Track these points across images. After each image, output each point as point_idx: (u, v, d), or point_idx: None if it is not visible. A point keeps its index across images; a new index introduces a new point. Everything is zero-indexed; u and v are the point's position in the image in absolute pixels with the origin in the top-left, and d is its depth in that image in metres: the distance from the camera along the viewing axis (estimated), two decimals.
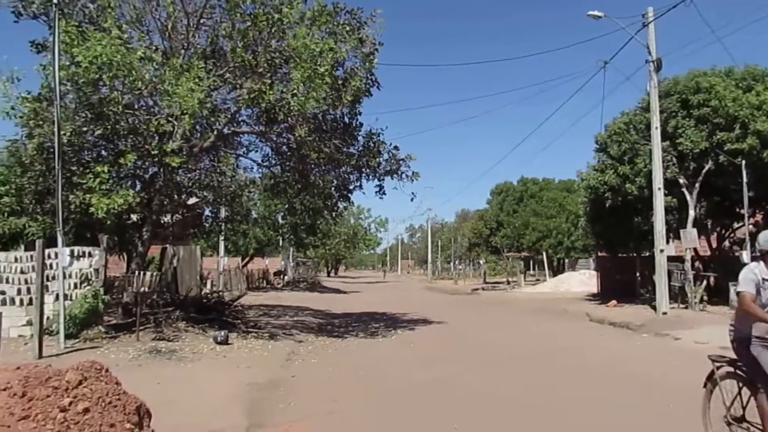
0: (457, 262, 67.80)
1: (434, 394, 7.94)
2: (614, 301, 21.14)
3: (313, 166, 15.30)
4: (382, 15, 13.60)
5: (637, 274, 24.28)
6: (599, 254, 28.74)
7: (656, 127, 17.07)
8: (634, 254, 24.41)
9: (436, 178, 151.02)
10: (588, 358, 11.04)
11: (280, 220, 32.82)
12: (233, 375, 8.89)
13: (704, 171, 18.36)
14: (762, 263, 4.57)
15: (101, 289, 11.63)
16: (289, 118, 13.04)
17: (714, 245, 22.65)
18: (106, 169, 11.42)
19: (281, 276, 40.02)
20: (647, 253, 21.43)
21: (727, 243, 22.56)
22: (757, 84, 17.95)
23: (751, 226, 19.63)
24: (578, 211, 30.51)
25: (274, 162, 16.38)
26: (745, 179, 16.77)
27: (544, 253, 41.10)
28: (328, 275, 71.91)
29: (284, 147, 15.51)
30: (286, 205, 19.88)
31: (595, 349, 12.26)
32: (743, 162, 16.91)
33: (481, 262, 54.94)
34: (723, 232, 22.48)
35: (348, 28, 13.14)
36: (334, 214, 18.52)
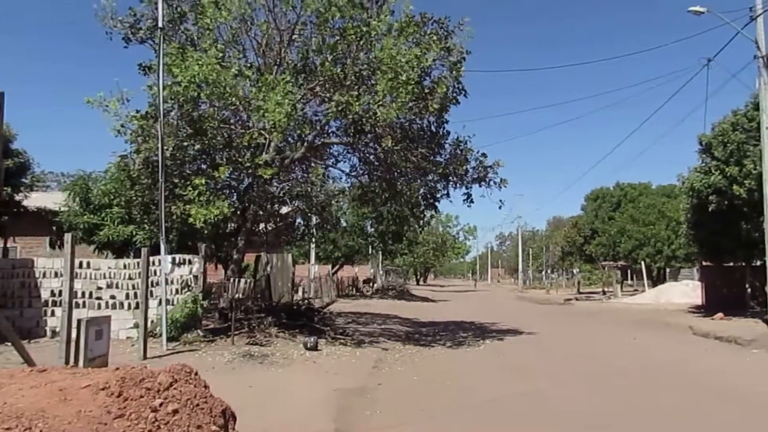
0: (549, 271, 65.90)
1: (522, 408, 7.73)
2: (720, 314, 19.73)
3: (399, 175, 15.43)
4: (471, 23, 13.55)
5: (747, 285, 22.53)
6: (703, 263, 26.94)
7: (767, 127, 15.85)
8: (743, 263, 22.69)
9: (528, 185, 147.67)
10: (689, 374, 10.36)
11: (369, 229, 33.33)
12: (321, 380, 9.09)
13: None
14: None
15: (200, 294, 12.28)
16: (376, 128, 13.25)
17: None
18: (203, 181, 12.09)
19: (370, 284, 40.55)
20: (758, 262, 19.85)
21: None
22: None
23: None
24: (679, 217, 28.82)
25: (361, 172, 16.66)
26: None
27: (642, 263, 39.08)
28: (417, 283, 72.03)
29: (371, 157, 15.75)
30: (374, 214, 20.17)
31: (696, 364, 11.50)
32: None
33: (575, 271, 53.11)
34: None
35: (435, 38, 13.16)
36: (421, 222, 18.56)
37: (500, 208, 16.50)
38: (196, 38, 13.20)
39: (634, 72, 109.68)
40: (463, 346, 14.26)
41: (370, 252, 41.43)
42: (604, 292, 40.24)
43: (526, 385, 9.18)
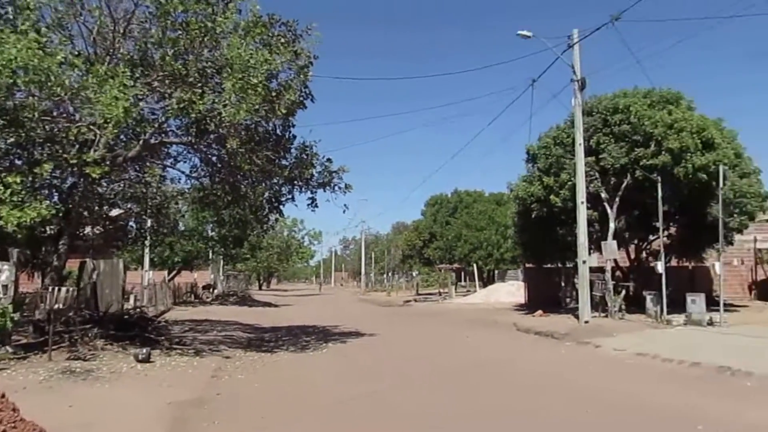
0: (390, 274, 68.14)
1: (364, 409, 7.90)
2: (540, 311, 21.79)
3: (243, 177, 15.01)
4: (319, 28, 13.55)
5: (562, 285, 25.17)
6: (527, 265, 29.60)
7: (580, 143, 17.81)
8: (560, 265, 25.29)
9: (372, 190, 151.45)
10: (515, 368, 11.35)
11: (209, 232, 32.04)
12: (155, 394, 8.53)
13: (624, 186, 19.28)
14: None
15: (10, 306, 10.90)
16: (220, 129, 12.76)
17: (632, 256, 23.76)
18: (18, 179, 10.77)
19: (210, 290, 38.93)
20: (571, 264, 22.22)
21: (644, 254, 23.68)
22: (670, 105, 19.07)
23: (665, 239, 20.75)
24: (507, 222, 31.33)
25: (203, 173, 15.96)
26: (660, 194, 17.69)
27: (475, 265, 41.93)
28: (260, 288, 70.57)
29: (214, 158, 15.16)
30: (215, 217, 19.41)
31: (522, 359, 12.60)
32: (659, 178, 17.86)
33: (414, 273, 55.44)
34: (640, 244, 23.61)
35: (283, 40, 13.00)
36: (264, 226, 18.22)
37: (344, 212, 16.73)
38: (12, 17, 11.75)
39: (472, 86, 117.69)
40: (307, 350, 14.23)
41: (210, 257, 39.83)
42: (440, 293, 42.47)
43: (370, 387, 9.40)
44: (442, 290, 43.67)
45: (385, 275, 70.66)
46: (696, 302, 16.50)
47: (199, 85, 12.29)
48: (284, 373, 10.98)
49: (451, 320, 23.29)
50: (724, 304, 17.05)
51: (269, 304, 37.01)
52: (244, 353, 13.36)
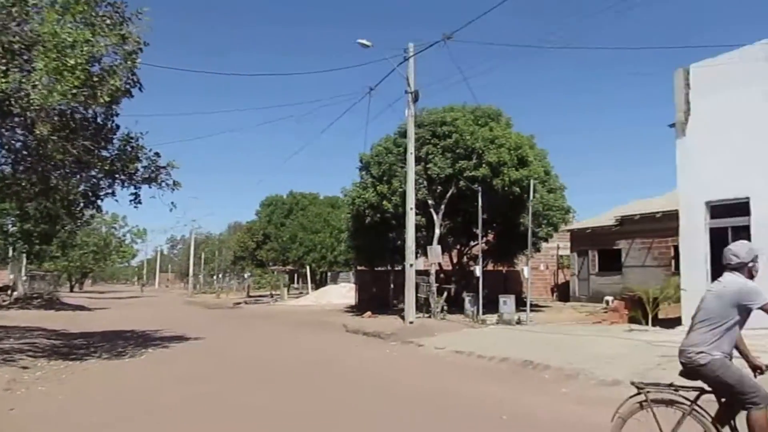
0: (221, 276, 65.86)
1: (185, 414, 7.52)
2: (369, 312, 22.48)
3: (55, 167, 13.53)
4: (151, 14, 12.67)
5: (391, 287, 26.22)
6: (359, 268, 30.37)
7: (411, 153, 18.69)
8: (390, 268, 26.33)
9: (205, 188, 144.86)
10: (343, 367, 11.54)
11: (10, 227, 28.50)
12: None
13: (449, 194, 20.58)
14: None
15: None
16: (28, 113, 11.39)
17: (455, 260, 25.47)
18: None
19: (8, 292, 34.59)
20: (400, 267, 23.22)
21: (465, 259, 25.49)
22: (491, 121, 20.78)
23: (484, 245, 22.53)
24: (342, 226, 31.89)
25: (4, 160, 14.12)
26: (480, 203, 19.17)
27: (308, 267, 42.08)
28: (72, 290, 64.20)
29: (19, 144, 13.50)
30: (18, 210, 17.28)
31: (351, 358, 12.86)
32: (479, 188, 19.34)
33: (246, 275, 54.18)
34: (462, 249, 25.39)
35: (108, 22, 11.96)
36: (78, 222, 16.60)
37: (171, 210, 15.84)
38: None
39: (313, 89, 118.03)
40: (123, 356, 13.23)
41: (10, 255, 35.42)
42: (272, 295, 41.98)
43: (192, 390, 8.96)
44: (274, 292, 43.18)
45: (215, 277, 68.14)
46: (507, 303, 18.10)
47: (3, 61, 10.88)
48: (94, 382, 10.08)
49: (282, 322, 23.12)
50: (531, 305, 18.94)
51: (82, 308, 33.80)
52: (48, 362, 12.03)
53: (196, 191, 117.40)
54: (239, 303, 38.57)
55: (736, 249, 4.63)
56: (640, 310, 15.56)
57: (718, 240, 14.61)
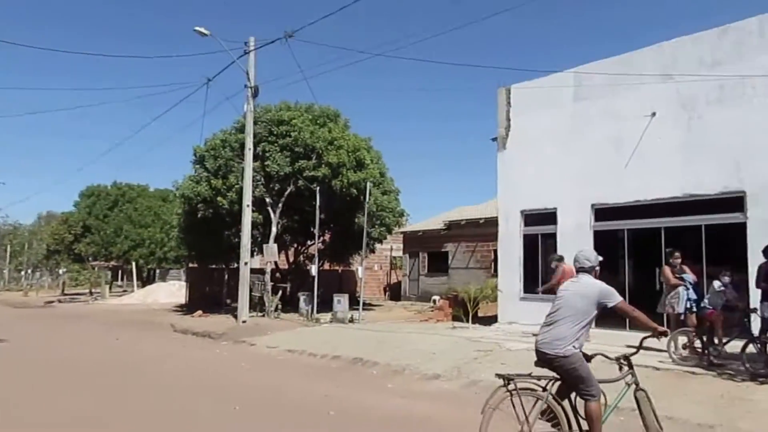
0: (30, 272, 59.16)
1: None
2: (200, 311, 21.62)
3: None
4: None
5: (225, 285, 25.45)
6: (190, 265, 29.07)
7: (249, 149, 18.30)
8: (224, 266, 25.54)
9: (13, 174, 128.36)
10: (168, 368, 10.98)
11: None
12: None
13: (287, 193, 20.47)
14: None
15: None
16: None
17: (291, 259, 25.40)
18: None
19: None
20: (235, 266, 22.62)
21: (302, 258, 25.54)
22: (330, 122, 21.05)
23: (320, 244, 22.74)
24: (173, 221, 30.31)
25: None
26: (318, 203, 19.34)
27: (134, 263, 39.34)
28: None
29: None
30: None
31: (177, 359, 12.28)
32: (318, 188, 19.50)
33: (61, 271, 49.24)
34: (299, 248, 25.41)
35: None
36: None
37: None
38: None
39: (144, 75, 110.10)
40: None
41: None
42: (91, 293, 38.62)
43: None
44: (94, 290, 39.74)
45: (23, 272, 61.01)
46: (341, 302, 18.45)
47: None
48: None
49: (103, 322, 21.35)
50: (365, 304, 19.47)
51: None
52: None
53: (4, 177, 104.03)
54: (52, 301, 34.93)
55: (588, 254, 5.19)
56: (462, 309, 16.71)
57: (530, 245, 16.24)
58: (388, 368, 10.56)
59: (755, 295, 9.54)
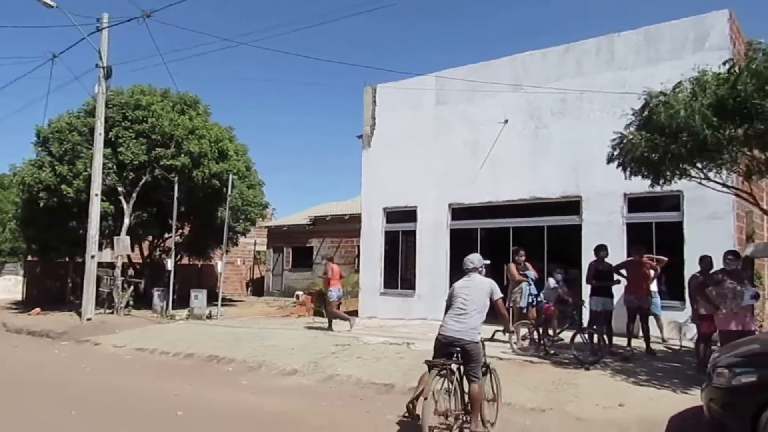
0: None
1: None
2: (38, 309, 19.72)
3: None
4: None
5: (70, 281, 23.44)
6: (29, 259, 26.44)
7: (100, 133, 16.98)
8: (68, 260, 23.50)
9: None
10: None
11: None
12: None
13: (142, 183, 19.24)
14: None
15: None
16: None
17: (147, 253, 23.97)
18: None
19: None
20: (82, 260, 20.94)
21: (158, 252, 24.18)
22: (190, 110, 20.12)
23: (178, 238, 21.73)
24: (9, 210, 27.36)
25: None
26: (176, 194, 18.41)
27: None
28: None
29: None
30: None
31: (6, 361, 11.14)
32: (176, 178, 18.56)
33: None
34: (156, 241, 24.03)
35: None
36: None
37: None
38: None
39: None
40: None
41: None
42: None
43: None
44: None
45: None
46: (198, 298, 17.74)
47: None
48: None
49: None
50: (226, 300, 18.85)
51: None
52: None
53: None
54: None
55: (472, 258, 6.15)
56: (324, 304, 16.78)
57: (392, 242, 16.71)
58: (244, 365, 10.33)
59: (587, 290, 10.59)
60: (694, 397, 6.67)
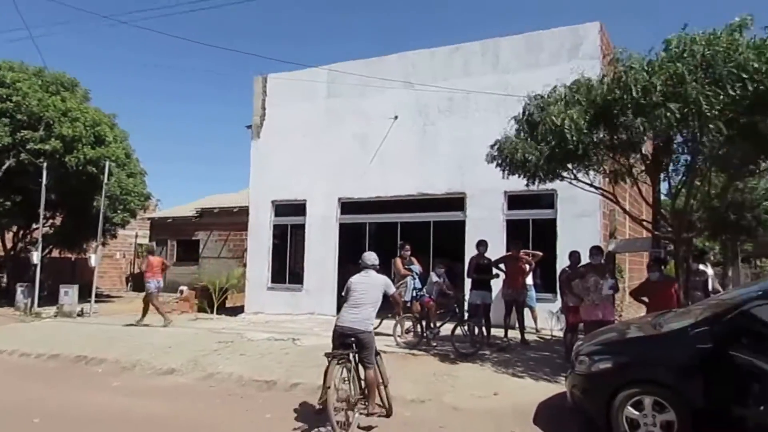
0: None
1: None
2: None
3: None
4: None
5: None
6: None
7: None
8: None
9: None
10: None
11: None
12: None
13: (5, 167, 17.58)
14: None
15: None
16: None
17: (10, 245, 21.95)
18: None
19: None
20: None
21: (24, 244, 22.20)
22: (65, 91, 18.64)
23: (48, 228, 20.09)
24: None
25: None
26: (44, 181, 16.96)
27: None
28: None
29: None
30: None
31: None
32: (45, 163, 17.11)
33: None
34: (22, 232, 22.07)
35: None
36: None
37: None
38: None
39: None
40: None
41: None
42: None
43: None
44: None
45: None
46: (69, 294, 16.45)
47: None
48: None
49: None
50: (103, 296, 17.60)
51: None
52: None
53: None
54: None
55: (368, 256, 6.74)
56: (207, 300, 16.23)
57: (280, 236, 16.44)
58: (116, 365, 9.73)
59: (469, 284, 10.98)
60: (562, 385, 7.09)
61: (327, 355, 6.07)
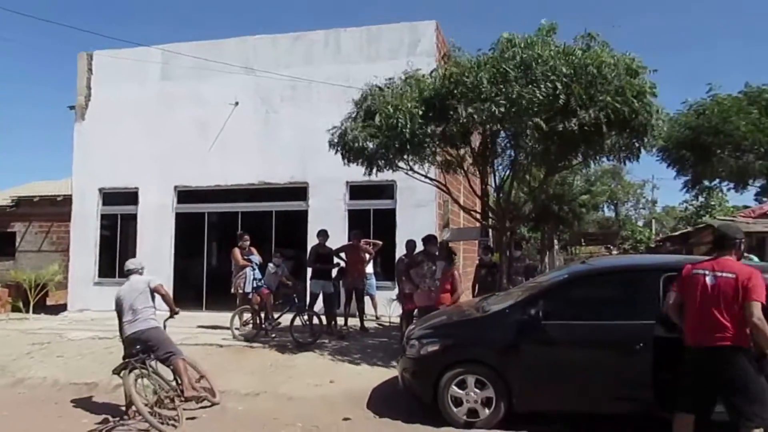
0: None
1: None
2: None
3: None
4: None
5: None
6: None
7: None
8: None
9: None
10: None
11: None
12: None
13: None
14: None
15: None
16: None
17: None
18: None
19: None
20: None
21: None
22: None
23: None
24: None
25: None
26: None
27: None
28: None
29: None
30: None
31: None
32: None
33: None
34: None
35: None
36: None
37: None
38: None
39: None
40: None
41: None
42: None
43: None
44: None
45: None
46: None
47: None
48: None
49: None
50: None
51: None
52: None
53: None
54: None
55: (133, 261, 6.97)
56: (23, 298, 14.58)
57: (109, 226, 15.20)
58: None
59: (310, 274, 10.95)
60: (396, 370, 7.33)
61: (118, 368, 6.17)
